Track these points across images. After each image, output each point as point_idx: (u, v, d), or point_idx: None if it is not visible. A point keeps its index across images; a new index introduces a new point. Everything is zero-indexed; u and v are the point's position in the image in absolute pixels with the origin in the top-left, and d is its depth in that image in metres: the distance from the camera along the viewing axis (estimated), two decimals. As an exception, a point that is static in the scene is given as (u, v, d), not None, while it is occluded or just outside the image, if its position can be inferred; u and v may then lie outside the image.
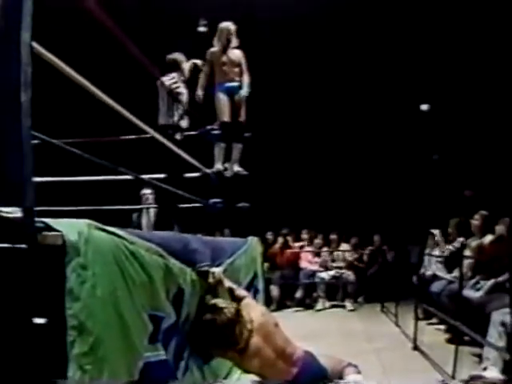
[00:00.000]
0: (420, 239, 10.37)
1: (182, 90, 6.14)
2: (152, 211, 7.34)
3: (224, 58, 6.43)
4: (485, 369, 4.49)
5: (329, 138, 13.22)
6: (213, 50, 6.49)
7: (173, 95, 5.94)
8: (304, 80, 11.37)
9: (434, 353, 5.54)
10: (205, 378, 3.97)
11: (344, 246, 10.86)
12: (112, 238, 2.44)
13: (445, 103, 12.56)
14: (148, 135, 4.93)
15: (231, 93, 6.40)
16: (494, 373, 4.39)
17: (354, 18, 9.68)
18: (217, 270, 4.01)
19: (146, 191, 7.22)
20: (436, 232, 8.11)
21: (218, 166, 6.41)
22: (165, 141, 5.25)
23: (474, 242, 6.52)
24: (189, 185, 6.20)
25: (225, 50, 6.44)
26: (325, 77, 11.49)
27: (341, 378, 3.96)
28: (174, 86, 6.01)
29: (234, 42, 6.49)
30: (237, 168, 6.49)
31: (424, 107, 13.56)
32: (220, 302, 3.67)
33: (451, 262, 7.25)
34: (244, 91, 6.40)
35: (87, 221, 2.30)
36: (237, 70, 6.47)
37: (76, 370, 2.03)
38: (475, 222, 6.78)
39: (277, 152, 12.65)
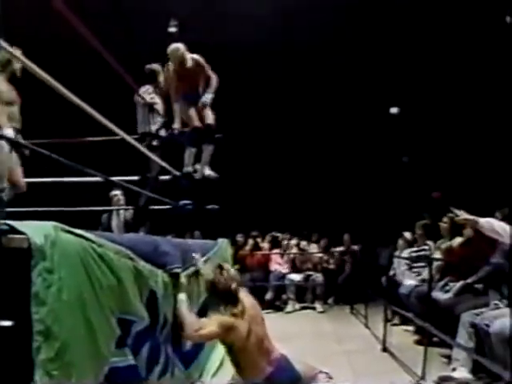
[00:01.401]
0: (389, 241, 10.48)
1: (157, 100, 6.20)
2: (122, 213, 7.27)
3: (179, 75, 6.26)
4: (454, 369, 4.53)
5: (298, 140, 13.25)
6: (169, 71, 6.36)
7: (148, 106, 6.00)
8: (272, 82, 11.34)
9: (403, 354, 5.57)
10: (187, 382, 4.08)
11: (313, 247, 10.85)
12: (79, 241, 2.40)
13: (414, 106, 12.66)
14: (117, 137, 4.90)
15: (192, 102, 6.35)
16: (463, 373, 4.43)
17: (323, 19, 9.65)
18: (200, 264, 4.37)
19: (117, 192, 7.13)
20: (407, 234, 8.16)
21: (188, 168, 6.35)
22: (135, 143, 5.23)
23: (443, 245, 6.56)
24: (159, 187, 6.18)
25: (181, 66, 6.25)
26: (294, 79, 11.49)
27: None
28: (149, 96, 6.08)
29: (188, 58, 6.23)
30: (207, 171, 6.42)
31: (393, 110, 13.67)
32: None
33: (420, 264, 7.32)
34: (205, 98, 6.29)
35: (54, 223, 2.25)
36: (197, 78, 6.35)
37: (42, 376, 2.00)
38: (443, 224, 6.83)
39: (246, 154, 12.62)
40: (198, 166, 6.45)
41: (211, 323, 3.63)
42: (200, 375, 4.57)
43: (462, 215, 4.58)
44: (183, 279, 3.89)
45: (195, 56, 6.25)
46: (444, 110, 12.16)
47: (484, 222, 4.32)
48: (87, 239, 2.47)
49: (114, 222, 7.33)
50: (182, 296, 3.81)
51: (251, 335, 3.73)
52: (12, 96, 4.75)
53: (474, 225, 4.38)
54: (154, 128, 6.09)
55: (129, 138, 5.06)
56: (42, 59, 3.26)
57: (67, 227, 2.33)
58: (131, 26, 9.73)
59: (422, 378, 4.43)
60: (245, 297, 3.94)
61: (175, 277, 3.80)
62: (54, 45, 9.14)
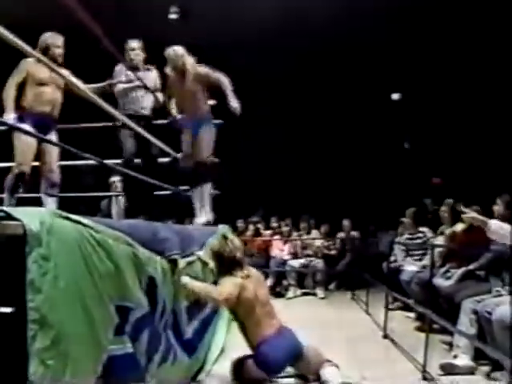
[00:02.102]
0: (390, 226, 10.46)
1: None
2: (122, 199, 7.23)
3: (182, 88, 5.81)
4: (455, 356, 4.50)
5: (299, 126, 13.19)
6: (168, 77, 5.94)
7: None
8: (274, 68, 11.24)
9: (404, 341, 5.54)
10: (190, 370, 4.09)
11: (314, 233, 10.82)
12: (77, 227, 2.36)
13: (416, 92, 12.59)
14: (118, 122, 4.88)
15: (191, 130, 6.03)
16: (464, 360, 4.40)
17: (324, 3, 9.55)
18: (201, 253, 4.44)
19: (115, 178, 7.09)
20: (406, 220, 8.11)
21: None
22: (135, 126, 5.20)
23: (447, 230, 6.52)
24: (158, 171, 6.13)
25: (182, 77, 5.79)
26: (295, 65, 11.40)
27: (317, 372, 4.14)
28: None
29: (189, 67, 5.75)
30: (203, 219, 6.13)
31: (395, 96, 13.61)
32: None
33: (419, 251, 7.31)
34: (234, 106, 5.59)
35: (49, 209, 2.21)
36: (198, 92, 5.87)
37: (38, 365, 1.98)
38: (443, 212, 6.82)
39: (247, 139, 12.54)
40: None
41: (226, 285, 3.96)
42: (203, 362, 4.54)
43: (471, 214, 4.55)
44: (182, 265, 3.88)
45: (198, 69, 5.77)
46: (446, 96, 12.10)
47: (492, 224, 4.26)
48: (85, 225, 2.43)
49: (114, 209, 7.30)
50: (186, 278, 3.86)
51: (257, 297, 4.06)
52: (45, 76, 4.95)
53: (483, 226, 4.31)
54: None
55: (129, 122, 5.05)
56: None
57: (64, 213, 2.29)
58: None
59: (424, 365, 4.38)
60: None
61: (174, 263, 3.76)
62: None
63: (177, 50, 5.68)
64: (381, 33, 10.16)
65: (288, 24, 10.05)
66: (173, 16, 9.79)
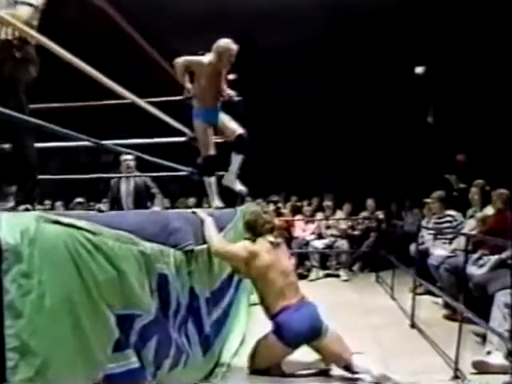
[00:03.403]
0: (414, 204, 10.18)
1: None
2: (132, 179, 7.06)
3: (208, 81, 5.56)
4: (489, 353, 4.21)
5: (320, 102, 12.88)
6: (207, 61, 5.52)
7: None
8: (299, 43, 10.92)
9: (433, 331, 5.29)
10: (204, 369, 3.91)
11: (339, 214, 10.54)
12: (68, 232, 2.09)
13: (440, 65, 12.16)
14: (128, 100, 4.64)
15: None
16: (499, 358, 4.10)
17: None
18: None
19: (127, 157, 6.86)
20: (432, 203, 7.79)
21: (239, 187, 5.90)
22: (147, 105, 4.97)
23: (478, 214, 6.21)
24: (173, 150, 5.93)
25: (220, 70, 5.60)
26: (317, 40, 11.04)
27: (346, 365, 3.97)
28: None
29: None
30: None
31: (419, 70, 13.16)
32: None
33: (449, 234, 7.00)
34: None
35: (36, 213, 1.94)
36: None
37: (20, 402, 1.70)
38: (474, 193, 6.51)
39: (266, 117, 12.26)
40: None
41: (238, 245, 4.09)
42: (219, 356, 4.33)
43: None
44: (197, 252, 3.78)
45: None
46: (471, 70, 11.62)
47: None
48: (79, 228, 2.16)
49: (123, 188, 7.13)
50: (209, 220, 4.12)
51: (277, 266, 4.04)
52: None
53: None
54: None
55: (141, 102, 4.82)
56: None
57: (53, 216, 2.02)
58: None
59: (456, 361, 4.10)
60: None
61: (189, 253, 3.60)
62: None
63: (229, 43, 5.45)
64: (404, 5, 9.78)
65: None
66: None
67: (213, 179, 5.76)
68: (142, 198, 7.07)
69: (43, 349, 1.78)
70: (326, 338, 3.97)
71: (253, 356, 4.10)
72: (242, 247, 4.04)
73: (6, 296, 1.70)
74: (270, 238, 4.24)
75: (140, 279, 2.69)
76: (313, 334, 3.93)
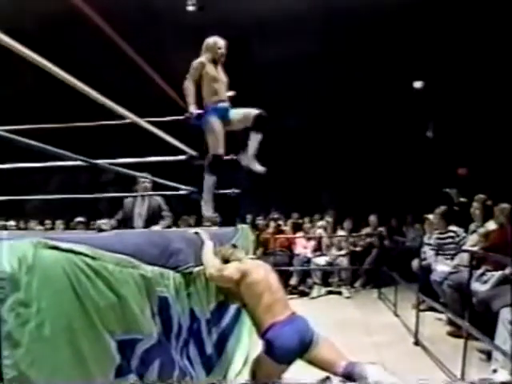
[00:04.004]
0: (414, 220, 10.15)
1: None
2: (147, 199, 7.03)
3: (214, 73, 5.64)
4: (495, 371, 4.17)
5: (320, 118, 12.89)
6: (201, 60, 5.64)
7: None
8: (294, 57, 10.95)
9: (437, 348, 5.26)
10: None
11: (340, 232, 10.49)
12: (68, 257, 2.04)
13: (438, 80, 12.18)
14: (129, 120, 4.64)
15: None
16: (505, 376, 4.05)
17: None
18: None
19: (144, 178, 6.83)
20: (431, 217, 7.77)
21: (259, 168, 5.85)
22: (147, 125, 4.96)
23: (480, 229, 6.18)
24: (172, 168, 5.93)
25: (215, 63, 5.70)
26: (316, 56, 11.07)
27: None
28: None
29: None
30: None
31: (417, 84, 13.19)
32: None
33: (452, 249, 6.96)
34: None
35: (35, 240, 1.90)
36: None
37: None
38: (475, 208, 6.47)
39: (264, 132, 12.28)
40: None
41: (231, 268, 3.95)
42: (223, 376, 4.29)
43: None
44: (195, 275, 3.77)
45: None
46: (469, 83, 11.64)
47: None
48: (78, 253, 2.12)
49: (137, 208, 7.09)
50: (209, 242, 4.19)
51: (267, 283, 3.93)
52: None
53: None
54: None
55: (141, 121, 4.81)
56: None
57: (51, 242, 1.98)
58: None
59: (462, 379, 4.05)
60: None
61: (188, 275, 3.57)
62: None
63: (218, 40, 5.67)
64: (403, 20, 9.82)
65: (311, 12, 9.78)
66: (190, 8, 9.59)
67: (212, 181, 5.69)
68: (154, 219, 7.03)
69: (42, 379, 1.74)
70: (318, 346, 3.90)
71: (253, 377, 4.05)
72: (234, 269, 3.96)
73: (4, 326, 1.66)
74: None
75: (141, 303, 2.64)
76: (303, 347, 3.84)
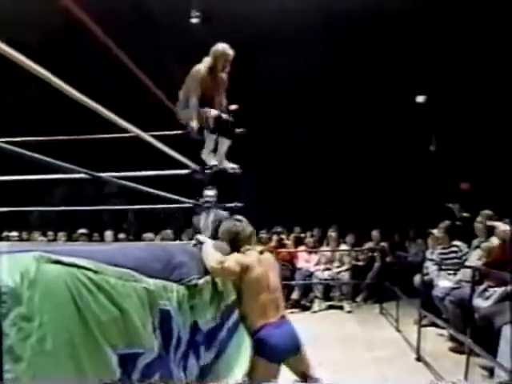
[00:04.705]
0: (417, 235, 10.12)
1: None
2: (212, 214, 7.00)
3: (212, 83, 5.65)
4: (497, 388, 4.16)
5: (322, 132, 12.90)
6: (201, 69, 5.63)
7: None
8: (296, 70, 10.99)
9: (439, 364, 5.25)
10: None
11: (343, 246, 10.48)
12: (70, 271, 2.04)
13: (441, 94, 12.20)
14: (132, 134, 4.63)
15: None
16: (507, 393, 4.04)
17: (351, 7, 9.31)
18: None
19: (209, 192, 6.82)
20: (435, 231, 7.76)
21: (213, 162, 5.82)
22: (150, 138, 4.96)
23: (483, 244, 6.17)
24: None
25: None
26: (318, 66, 11.11)
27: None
28: None
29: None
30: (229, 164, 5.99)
31: (420, 99, 13.21)
32: None
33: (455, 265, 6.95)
34: None
35: (37, 254, 1.91)
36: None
37: None
38: (478, 223, 6.46)
39: (268, 147, 12.30)
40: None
41: (230, 259, 3.90)
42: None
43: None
44: (201, 286, 3.71)
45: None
46: (472, 98, 11.67)
47: None
48: (81, 267, 2.13)
49: (202, 222, 7.08)
50: (208, 240, 4.20)
51: (265, 281, 3.92)
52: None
53: None
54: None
55: (144, 135, 4.81)
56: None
57: (54, 256, 1.99)
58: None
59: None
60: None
61: (193, 287, 3.53)
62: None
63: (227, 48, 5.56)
64: (406, 34, 9.87)
65: (314, 25, 9.82)
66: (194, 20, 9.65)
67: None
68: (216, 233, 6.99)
69: (43, 394, 1.75)
70: (301, 355, 3.92)
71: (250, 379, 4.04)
72: (235, 262, 3.90)
73: (6, 340, 1.66)
74: (258, 247, 4.21)
75: (143, 317, 2.64)
76: (294, 348, 3.86)
